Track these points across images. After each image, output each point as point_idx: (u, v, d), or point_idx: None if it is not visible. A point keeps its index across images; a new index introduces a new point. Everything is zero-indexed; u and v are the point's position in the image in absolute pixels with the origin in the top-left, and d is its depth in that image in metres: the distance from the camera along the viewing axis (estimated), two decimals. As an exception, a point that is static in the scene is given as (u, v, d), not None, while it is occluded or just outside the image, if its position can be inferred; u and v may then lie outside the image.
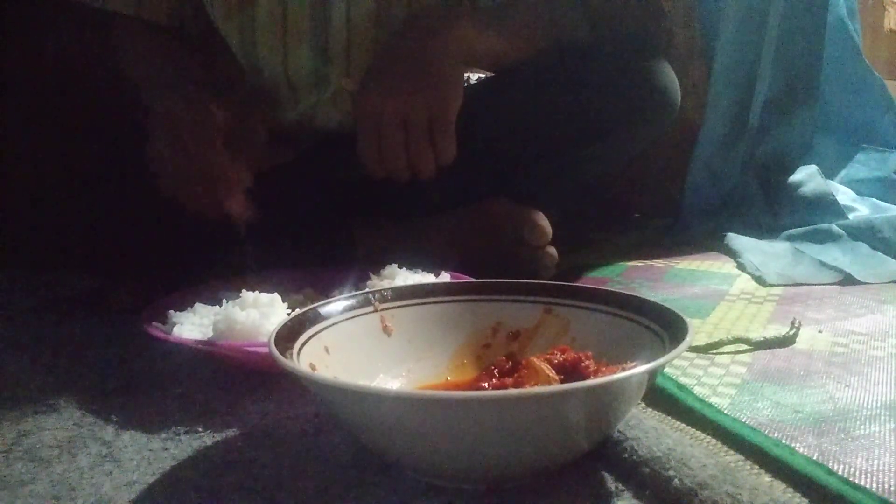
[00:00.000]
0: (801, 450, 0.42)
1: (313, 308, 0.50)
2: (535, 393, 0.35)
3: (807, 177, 1.18)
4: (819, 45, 1.22)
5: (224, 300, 0.61)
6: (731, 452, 0.43)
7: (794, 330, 0.63)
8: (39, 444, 0.48)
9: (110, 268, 0.87)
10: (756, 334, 0.62)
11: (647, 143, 0.94)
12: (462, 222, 0.87)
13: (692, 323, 0.43)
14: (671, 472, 0.38)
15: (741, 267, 0.93)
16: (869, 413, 0.47)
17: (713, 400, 0.49)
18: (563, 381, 0.44)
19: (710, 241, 1.07)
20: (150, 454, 0.46)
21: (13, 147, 0.77)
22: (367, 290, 0.56)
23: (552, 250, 0.83)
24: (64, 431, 0.50)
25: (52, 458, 0.46)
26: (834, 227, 1.03)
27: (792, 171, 1.20)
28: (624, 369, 0.42)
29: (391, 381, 0.51)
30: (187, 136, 0.68)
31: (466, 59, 0.79)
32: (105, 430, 0.50)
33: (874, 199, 1.17)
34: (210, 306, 0.64)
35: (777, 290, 0.82)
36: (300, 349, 0.45)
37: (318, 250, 0.83)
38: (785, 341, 0.62)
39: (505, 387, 0.46)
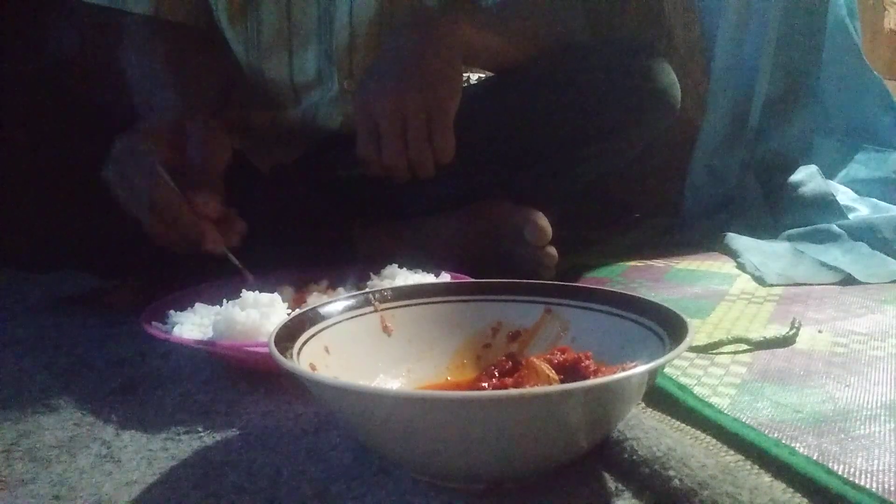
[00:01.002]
0: (801, 450, 0.42)
1: (313, 308, 0.50)
2: (535, 393, 0.35)
3: (807, 177, 1.18)
4: (819, 46, 1.22)
5: (224, 300, 0.61)
6: (731, 452, 0.43)
7: (794, 330, 0.63)
8: (39, 444, 0.48)
9: (110, 268, 0.88)
10: (756, 334, 0.62)
11: (647, 143, 0.94)
12: (462, 222, 0.87)
13: (692, 323, 0.43)
14: (671, 472, 0.38)
15: (741, 267, 0.93)
16: (869, 413, 0.47)
17: (713, 400, 0.49)
18: (563, 381, 0.44)
19: (710, 241, 1.07)
20: (150, 454, 0.46)
21: (13, 147, 0.76)
22: (367, 290, 0.56)
23: (552, 250, 0.83)
24: (64, 431, 0.50)
25: (52, 458, 0.46)
26: (834, 227, 1.03)
27: (792, 171, 1.20)
28: (624, 369, 0.42)
29: (391, 381, 0.51)
30: (130, 171, 0.66)
31: (466, 59, 0.79)
32: (105, 430, 0.51)
33: (874, 199, 1.17)
34: (210, 306, 0.64)
35: (777, 290, 0.82)
36: (300, 349, 0.45)
37: (318, 250, 0.83)
38: (785, 341, 0.62)
39: (505, 387, 0.46)
